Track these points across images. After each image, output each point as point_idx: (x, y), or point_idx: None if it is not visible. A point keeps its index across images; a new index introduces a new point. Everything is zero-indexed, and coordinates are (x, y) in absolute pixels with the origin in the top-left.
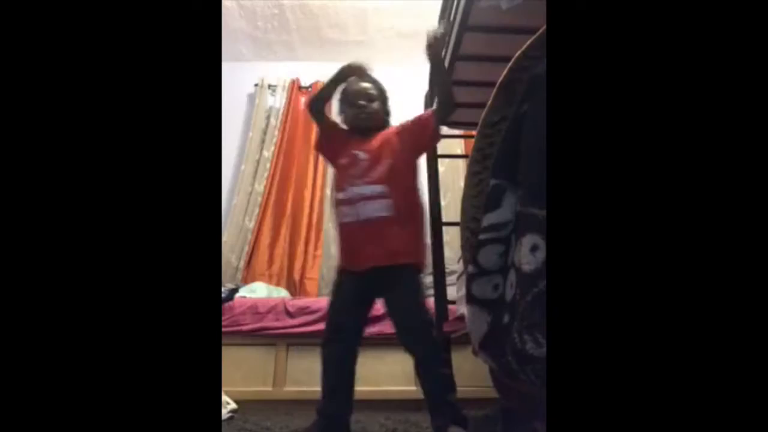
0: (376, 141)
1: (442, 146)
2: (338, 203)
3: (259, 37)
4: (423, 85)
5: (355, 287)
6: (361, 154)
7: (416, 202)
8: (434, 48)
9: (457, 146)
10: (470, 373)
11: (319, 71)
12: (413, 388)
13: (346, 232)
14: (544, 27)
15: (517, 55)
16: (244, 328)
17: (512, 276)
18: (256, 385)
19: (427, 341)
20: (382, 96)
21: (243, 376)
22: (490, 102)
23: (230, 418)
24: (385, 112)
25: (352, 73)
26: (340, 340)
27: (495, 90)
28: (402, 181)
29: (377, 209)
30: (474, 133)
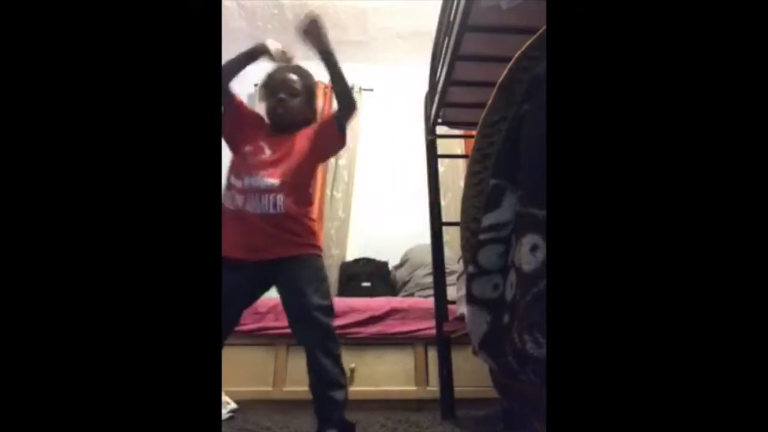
0: (289, 140)
1: (442, 146)
2: (232, 189)
3: (259, 37)
4: (423, 85)
5: (244, 278)
6: (267, 149)
7: (308, 202)
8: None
9: (457, 146)
10: (470, 373)
11: (319, 71)
12: (413, 388)
13: (235, 220)
14: (544, 27)
15: (517, 55)
16: (244, 328)
17: (512, 276)
18: (256, 385)
19: (316, 333)
20: (307, 92)
21: (243, 376)
22: (490, 102)
23: (230, 418)
24: (310, 110)
25: (263, 53)
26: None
27: (495, 90)
28: (299, 182)
29: (268, 205)
30: (474, 133)
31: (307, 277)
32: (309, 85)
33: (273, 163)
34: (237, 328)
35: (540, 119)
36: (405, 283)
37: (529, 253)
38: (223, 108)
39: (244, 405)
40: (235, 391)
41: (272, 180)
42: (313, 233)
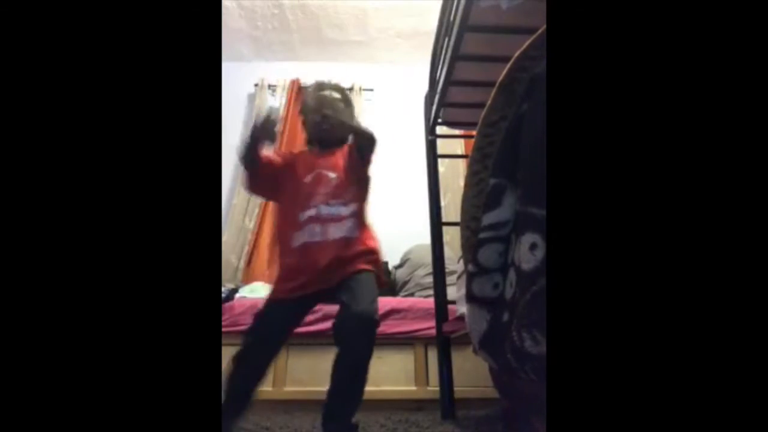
0: (338, 159)
1: (442, 146)
2: (303, 223)
3: (259, 37)
4: (423, 85)
5: (301, 307)
6: (330, 174)
7: (363, 216)
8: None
9: (457, 146)
10: (470, 373)
11: (319, 71)
12: (413, 388)
13: (309, 251)
14: (544, 27)
15: (517, 54)
16: (244, 328)
17: (512, 275)
18: None
19: (365, 344)
20: (348, 108)
21: None
22: (490, 101)
23: None
24: (350, 126)
25: (262, 130)
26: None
27: (495, 89)
28: (362, 200)
29: (348, 229)
30: (474, 133)
31: (366, 290)
32: (349, 101)
33: (342, 188)
34: (237, 328)
35: (540, 118)
36: (405, 283)
37: (529, 251)
38: (253, 176)
39: None
40: None
41: (350, 206)
42: (377, 250)
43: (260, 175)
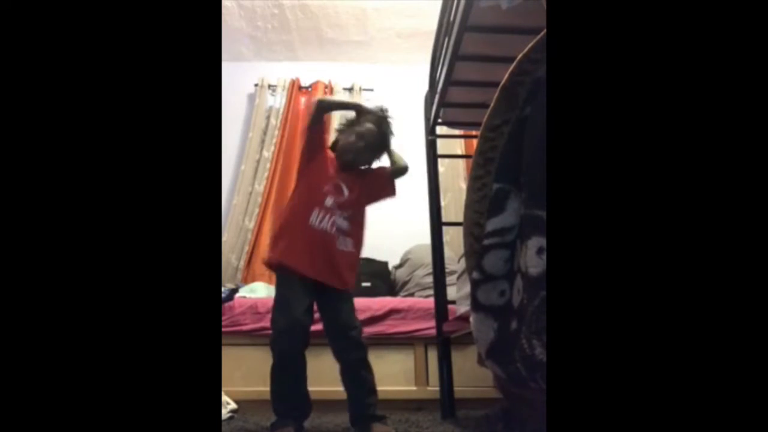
0: (354, 179)
1: (442, 146)
2: (324, 210)
3: (259, 37)
4: (423, 85)
5: (307, 289)
6: (346, 190)
7: (361, 241)
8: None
9: (457, 146)
10: (470, 373)
11: (319, 71)
12: (413, 388)
13: (311, 238)
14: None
15: (519, 58)
16: (244, 328)
17: (519, 282)
18: (256, 385)
19: (357, 351)
20: (380, 144)
21: (243, 376)
22: (492, 105)
23: (230, 418)
24: (372, 158)
25: (363, 112)
26: (299, 334)
27: (497, 93)
28: (360, 221)
29: (343, 243)
30: (474, 133)
31: (349, 304)
32: (384, 138)
33: (349, 206)
34: (237, 328)
35: (543, 121)
36: (405, 283)
37: (536, 255)
38: (319, 130)
39: (244, 405)
40: (235, 391)
41: (348, 224)
42: (356, 270)
43: (322, 130)
